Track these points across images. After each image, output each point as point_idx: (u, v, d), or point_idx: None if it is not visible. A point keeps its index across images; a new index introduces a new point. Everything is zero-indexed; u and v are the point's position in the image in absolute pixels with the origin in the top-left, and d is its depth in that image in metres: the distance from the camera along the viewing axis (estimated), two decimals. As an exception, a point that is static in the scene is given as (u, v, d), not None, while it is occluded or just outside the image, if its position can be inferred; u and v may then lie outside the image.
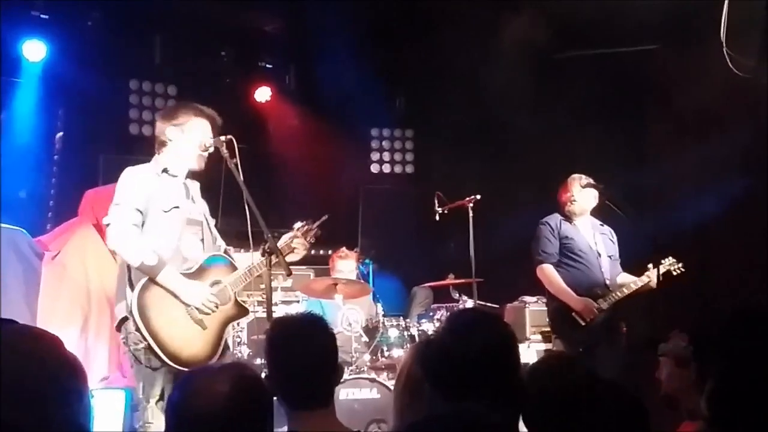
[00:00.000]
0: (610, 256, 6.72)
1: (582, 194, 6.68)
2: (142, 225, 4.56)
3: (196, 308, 4.51)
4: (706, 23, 6.75)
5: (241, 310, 4.78)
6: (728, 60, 6.47)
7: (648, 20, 7.52)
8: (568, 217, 6.74)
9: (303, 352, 2.88)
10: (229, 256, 4.85)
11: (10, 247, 6.61)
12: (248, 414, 2.34)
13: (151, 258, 4.41)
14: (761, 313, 2.99)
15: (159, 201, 4.61)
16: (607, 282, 6.57)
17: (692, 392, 3.44)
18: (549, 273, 6.58)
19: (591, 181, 6.66)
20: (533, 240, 6.77)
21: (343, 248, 7.69)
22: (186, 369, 4.29)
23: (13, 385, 1.52)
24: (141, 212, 4.54)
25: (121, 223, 4.48)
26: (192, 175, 4.88)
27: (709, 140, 7.31)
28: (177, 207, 4.66)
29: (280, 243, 4.80)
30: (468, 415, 1.77)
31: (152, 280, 4.44)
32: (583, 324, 6.30)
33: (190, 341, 4.50)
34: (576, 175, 6.72)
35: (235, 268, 4.77)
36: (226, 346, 4.83)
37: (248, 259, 4.78)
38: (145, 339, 4.37)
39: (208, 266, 4.68)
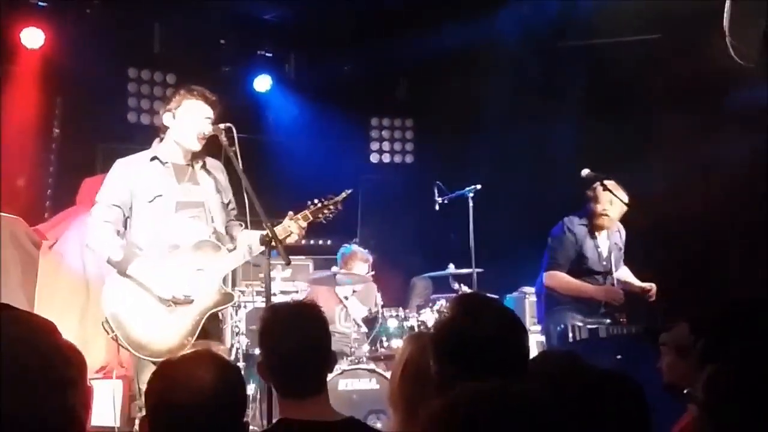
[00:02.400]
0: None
1: (614, 207, 6.52)
2: (126, 217, 4.67)
3: (167, 301, 4.52)
4: (708, 13, 6.70)
5: (225, 297, 4.76)
6: (731, 49, 6.42)
7: (649, 10, 7.49)
8: (592, 230, 6.63)
9: (294, 338, 2.86)
10: (220, 242, 4.80)
11: (8, 236, 6.58)
12: (229, 402, 2.34)
13: (117, 253, 4.53)
14: (761, 304, 2.98)
15: (143, 191, 4.69)
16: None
17: (694, 381, 3.43)
18: (560, 276, 6.53)
19: (612, 183, 6.47)
20: (554, 243, 6.64)
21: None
22: (154, 359, 4.34)
23: (3, 371, 1.49)
24: (119, 206, 4.65)
25: (94, 221, 4.64)
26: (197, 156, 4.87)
27: (711, 131, 7.28)
28: (160, 195, 4.67)
29: (288, 223, 4.76)
30: (513, 389, 1.74)
31: (123, 273, 4.47)
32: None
33: (160, 332, 4.52)
34: (606, 182, 6.46)
35: (223, 254, 4.74)
36: (219, 336, 4.83)
37: (249, 237, 4.77)
38: (113, 329, 4.42)
39: (194, 252, 4.66)
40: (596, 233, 6.61)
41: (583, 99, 8.27)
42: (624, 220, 6.76)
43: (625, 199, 6.46)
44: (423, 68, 9.85)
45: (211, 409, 2.28)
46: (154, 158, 4.78)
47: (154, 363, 4.36)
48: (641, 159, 7.77)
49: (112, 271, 4.58)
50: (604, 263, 6.61)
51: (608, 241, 6.66)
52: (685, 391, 3.29)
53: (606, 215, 6.50)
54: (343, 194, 4.96)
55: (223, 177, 4.98)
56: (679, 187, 7.51)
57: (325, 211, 4.89)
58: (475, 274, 6.96)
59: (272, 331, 2.94)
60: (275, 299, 6.20)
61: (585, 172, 6.55)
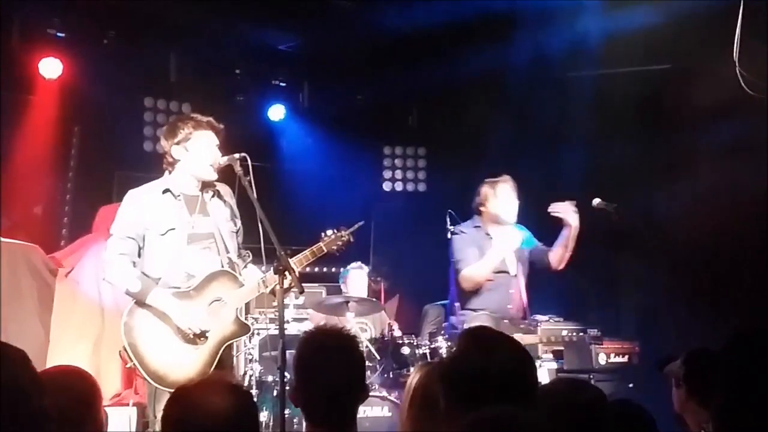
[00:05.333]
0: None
1: (503, 205, 6.53)
2: (140, 249, 4.70)
3: (184, 332, 4.55)
4: (718, 43, 6.75)
5: (242, 328, 4.78)
6: (741, 80, 6.46)
7: (659, 40, 7.54)
8: (487, 231, 6.62)
9: (332, 369, 2.87)
10: (235, 271, 4.85)
11: (24, 264, 6.65)
12: (243, 429, 2.37)
13: (135, 285, 4.56)
14: (762, 333, 3.01)
15: (156, 224, 4.72)
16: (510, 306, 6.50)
17: (691, 412, 3.47)
18: (470, 267, 6.47)
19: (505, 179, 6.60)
20: (456, 245, 6.61)
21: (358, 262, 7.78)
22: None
23: None
24: (133, 238, 4.69)
25: (109, 254, 4.69)
26: (208, 186, 4.91)
27: (721, 160, 7.30)
28: (173, 229, 4.70)
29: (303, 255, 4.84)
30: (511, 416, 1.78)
31: (142, 303, 4.50)
32: None
33: (179, 362, 4.52)
34: (492, 179, 6.51)
35: (239, 284, 4.77)
36: (231, 365, 4.85)
37: (257, 273, 4.82)
38: (131, 359, 4.44)
39: (210, 283, 4.69)
40: (490, 234, 6.55)
41: (593, 128, 8.30)
42: (634, 245, 6.76)
43: (510, 197, 6.45)
44: (435, 97, 9.92)
45: None
46: (166, 191, 4.81)
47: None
48: (650, 186, 7.80)
49: (130, 301, 4.61)
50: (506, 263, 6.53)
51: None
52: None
53: (497, 214, 6.43)
54: (355, 226, 5.05)
55: (234, 203, 5.04)
56: (689, 213, 7.53)
57: (339, 243, 4.97)
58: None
59: (310, 360, 2.95)
60: (288, 326, 6.24)
61: (596, 201, 6.57)
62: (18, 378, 1.52)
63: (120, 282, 4.61)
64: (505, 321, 6.27)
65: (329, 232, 4.95)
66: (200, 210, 4.84)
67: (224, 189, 5.01)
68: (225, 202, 4.97)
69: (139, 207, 4.74)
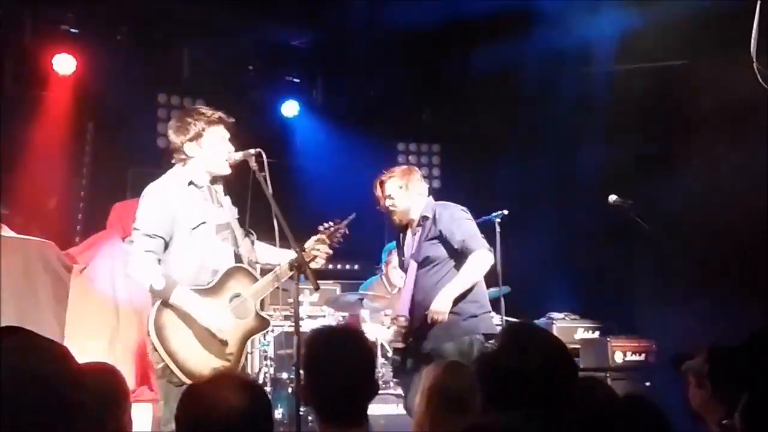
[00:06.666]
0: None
1: (397, 200, 5.78)
2: (167, 245, 4.58)
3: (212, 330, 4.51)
4: (736, 39, 6.69)
5: (263, 323, 4.75)
6: (758, 75, 6.40)
7: (676, 36, 7.49)
8: (397, 228, 6.05)
9: (340, 366, 2.86)
10: (251, 266, 4.81)
11: (39, 260, 6.64)
12: (258, 425, 2.36)
13: (159, 282, 4.44)
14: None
15: (186, 219, 4.60)
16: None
17: (711, 409, 3.42)
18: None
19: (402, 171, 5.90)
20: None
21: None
22: None
23: (7, 399, 1.46)
24: (160, 236, 4.55)
25: (135, 250, 4.54)
26: (217, 179, 4.88)
27: (738, 155, 7.25)
28: (204, 222, 4.65)
29: (312, 244, 4.83)
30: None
31: (166, 303, 4.47)
32: None
33: (209, 358, 4.48)
34: (383, 176, 5.84)
35: (254, 279, 4.75)
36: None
37: (274, 254, 4.79)
38: (162, 359, 4.39)
39: (228, 279, 4.66)
40: (403, 230, 5.99)
41: (608, 124, 8.26)
42: (650, 242, 6.72)
43: (396, 188, 5.80)
44: (449, 93, 9.89)
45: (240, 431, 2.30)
46: (191, 183, 4.75)
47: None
48: (666, 183, 7.75)
49: (154, 299, 4.55)
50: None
51: (414, 236, 5.89)
52: None
53: (393, 210, 5.83)
54: (351, 217, 5.07)
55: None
56: (705, 210, 7.48)
57: (337, 235, 4.97)
58: (502, 300, 6.93)
59: (319, 357, 2.94)
60: (302, 324, 6.22)
61: (612, 198, 6.53)
62: (60, 373, 1.52)
63: (144, 279, 4.51)
64: None
65: (326, 225, 4.95)
66: (216, 201, 4.81)
67: (220, 188, 4.96)
68: (226, 197, 4.95)
69: (166, 202, 4.62)
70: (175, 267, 4.54)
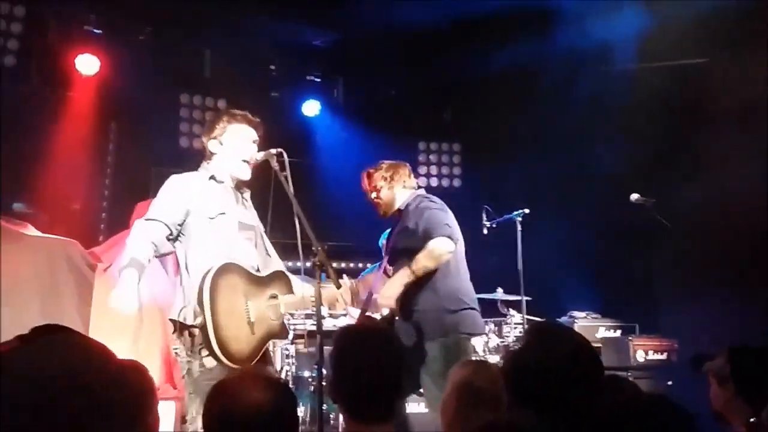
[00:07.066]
0: None
1: (382, 192, 5.64)
2: (170, 238, 4.55)
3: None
4: (754, 36, 6.67)
5: (283, 331, 4.77)
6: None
7: (696, 34, 7.46)
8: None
9: (368, 363, 2.88)
10: (289, 275, 4.83)
11: (64, 258, 6.71)
12: (284, 422, 2.38)
13: (132, 249, 4.38)
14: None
15: (203, 209, 4.60)
16: None
17: (735, 409, 3.42)
18: None
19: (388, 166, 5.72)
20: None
21: None
22: (227, 361, 4.27)
23: (47, 399, 1.45)
24: (162, 222, 4.50)
25: (138, 226, 4.51)
26: (243, 185, 4.90)
27: (759, 152, 7.21)
28: (223, 213, 4.66)
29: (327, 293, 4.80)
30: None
31: (226, 270, 4.42)
32: None
33: (239, 337, 4.47)
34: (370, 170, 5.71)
35: (290, 291, 4.77)
36: (270, 360, 4.83)
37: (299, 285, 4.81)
38: (203, 314, 4.31)
39: (273, 279, 4.69)
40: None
41: (628, 123, 8.23)
42: (671, 240, 6.69)
43: (381, 180, 5.67)
44: (470, 92, 9.89)
45: (266, 429, 2.32)
46: (212, 177, 4.78)
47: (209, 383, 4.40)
48: (686, 181, 7.72)
49: (211, 265, 4.53)
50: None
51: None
52: None
53: (378, 202, 5.69)
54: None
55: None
56: (725, 209, 7.44)
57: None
58: (523, 298, 6.93)
59: (347, 353, 2.96)
60: (324, 323, 6.24)
61: (634, 196, 6.53)
62: (101, 372, 1.52)
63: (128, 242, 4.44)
64: None
65: (347, 281, 4.84)
66: (242, 203, 4.84)
67: (248, 193, 4.98)
68: (252, 205, 4.96)
69: (184, 192, 4.61)
70: (197, 257, 4.54)
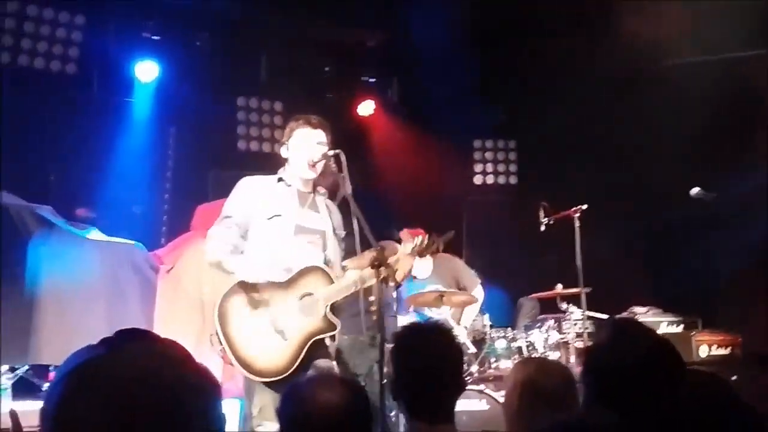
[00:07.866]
0: None
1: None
2: (242, 237, 4.75)
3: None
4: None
5: (330, 325, 4.70)
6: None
7: (751, 25, 7.34)
8: None
9: (430, 361, 2.90)
10: (329, 268, 4.85)
11: (128, 261, 6.85)
12: (359, 423, 2.39)
13: (213, 252, 4.70)
14: None
15: (263, 209, 4.75)
16: None
17: None
18: None
19: None
20: None
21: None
22: (259, 379, 4.46)
23: (124, 407, 1.42)
24: (231, 218, 4.74)
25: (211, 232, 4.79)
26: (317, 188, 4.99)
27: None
28: (279, 215, 4.74)
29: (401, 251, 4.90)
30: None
31: (240, 289, 4.57)
32: None
33: (267, 352, 4.53)
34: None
35: (330, 281, 4.80)
36: (329, 355, 4.84)
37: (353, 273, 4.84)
38: (220, 343, 4.49)
39: (302, 276, 4.72)
40: None
41: (686, 117, 8.12)
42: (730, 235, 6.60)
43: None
44: (525, 89, 9.84)
45: (343, 430, 2.35)
46: (280, 179, 4.90)
47: (265, 384, 4.49)
48: (746, 175, 7.61)
49: (225, 288, 4.64)
50: None
51: None
52: None
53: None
54: (449, 234, 5.23)
55: (339, 217, 5.08)
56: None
57: (432, 248, 5.06)
58: (583, 295, 6.88)
59: (409, 353, 2.98)
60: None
61: (695, 191, 6.46)
62: (184, 379, 1.54)
63: (207, 246, 4.75)
64: None
65: (416, 241, 5.00)
66: (311, 206, 4.89)
67: (332, 204, 5.06)
68: (334, 211, 5.03)
69: (250, 194, 4.81)
70: (250, 258, 4.66)
